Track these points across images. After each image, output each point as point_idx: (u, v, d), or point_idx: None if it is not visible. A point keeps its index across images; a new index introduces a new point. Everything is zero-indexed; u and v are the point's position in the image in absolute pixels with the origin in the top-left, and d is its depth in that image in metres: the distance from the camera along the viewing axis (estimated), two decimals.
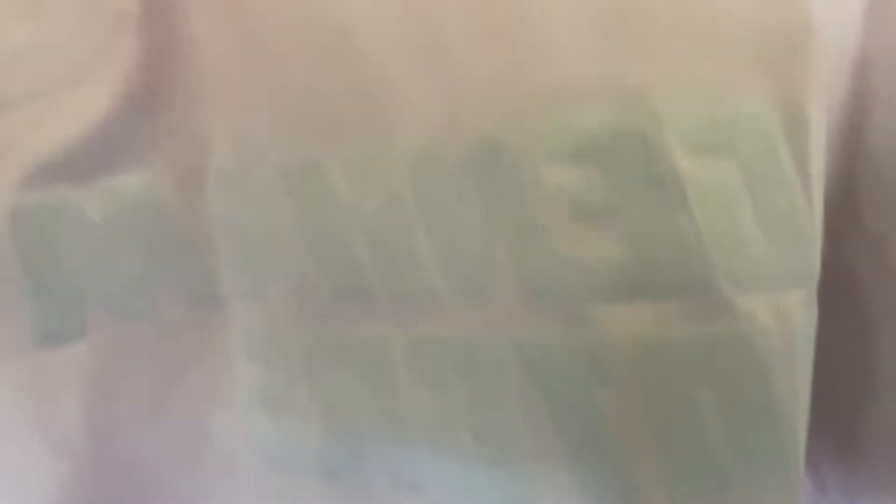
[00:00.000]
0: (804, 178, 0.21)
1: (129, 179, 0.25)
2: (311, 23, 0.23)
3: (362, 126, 0.23)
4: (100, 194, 0.25)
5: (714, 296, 0.20)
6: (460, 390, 0.23)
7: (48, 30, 0.23)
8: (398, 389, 0.24)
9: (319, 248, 0.24)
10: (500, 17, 0.21)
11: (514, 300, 0.21)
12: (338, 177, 0.23)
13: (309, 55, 0.23)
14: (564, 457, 0.22)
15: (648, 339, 0.20)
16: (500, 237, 0.21)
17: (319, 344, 0.25)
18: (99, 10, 0.23)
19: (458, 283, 0.22)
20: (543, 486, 0.22)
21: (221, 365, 0.27)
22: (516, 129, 0.20)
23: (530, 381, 0.22)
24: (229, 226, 0.26)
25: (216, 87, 0.24)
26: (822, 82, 0.21)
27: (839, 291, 0.25)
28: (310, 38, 0.23)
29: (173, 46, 0.24)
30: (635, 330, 0.20)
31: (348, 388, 0.25)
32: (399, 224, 0.23)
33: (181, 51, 0.24)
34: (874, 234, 0.25)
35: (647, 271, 0.20)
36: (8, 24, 0.23)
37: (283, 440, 0.26)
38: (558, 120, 0.20)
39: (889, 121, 0.24)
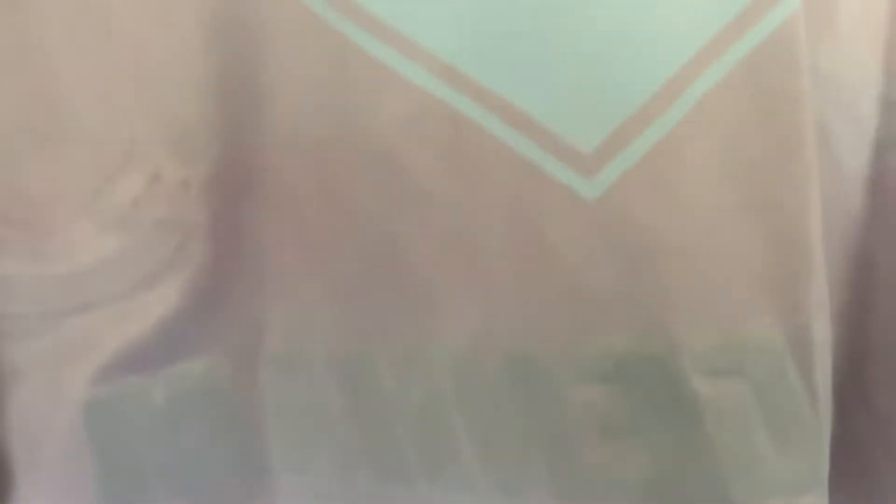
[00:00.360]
0: (811, 392, 0.23)
1: (190, 366, 0.27)
2: (364, 230, 0.26)
3: (407, 323, 0.25)
4: (164, 381, 0.27)
5: None
6: None
7: (129, 240, 0.26)
8: None
9: (365, 433, 0.26)
10: (533, 245, 0.23)
11: (546, 500, 0.23)
12: (384, 368, 0.26)
13: (360, 258, 0.26)
14: None
15: None
16: (534, 442, 0.23)
17: None
18: (173, 222, 0.26)
19: (494, 478, 0.24)
20: None
21: None
22: (548, 348, 0.23)
23: None
24: (280, 406, 0.28)
25: (274, 282, 0.27)
26: (824, 292, 0.24)
27: (849, 466, 0.27)
28: (361, 243, 0.26)
29: (236, 249, 0.27)
30: None
31: None
32: (440, 418, 0.25)
33: (243, 252, 0.27)
34: (882, 413, 0.27)
35: (669, 485, 0.22)
36: (95, 237, 0.26)
37: None
38: (586, 344, 0.22)
39: (892, 308, 0.27)
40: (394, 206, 0.25)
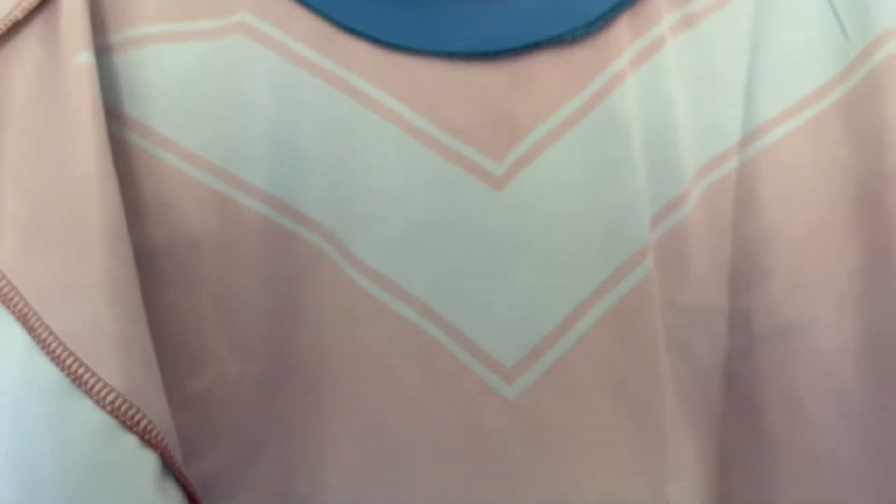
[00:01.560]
0: None
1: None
2: (360, 413, 0.35)
3: (388, 486, 0.35)
4: None
5: None
6: None
7: (195, 419, 0.37)
8: None
9: None
10: (476, 431, 0.34)
11: None
12: None
13: (357, 433, 0.36)
14: None
15: None
16: None
17: None
18: (233, 404, 0.37)
19: None
20: None
21: None
22: None
23: None
24: None
25: (300, 443, 0.37)
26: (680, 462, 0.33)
27: None
28: (358, 422, 0.36)
29: (274, 421, 0.37)
30: None
31: None
32: None
33: (279, 422, 0.37)
34: None
35: None
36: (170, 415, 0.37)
37: None
38: None
39: (748, 474, 0.36)
40: (382, 398, 0.35)
